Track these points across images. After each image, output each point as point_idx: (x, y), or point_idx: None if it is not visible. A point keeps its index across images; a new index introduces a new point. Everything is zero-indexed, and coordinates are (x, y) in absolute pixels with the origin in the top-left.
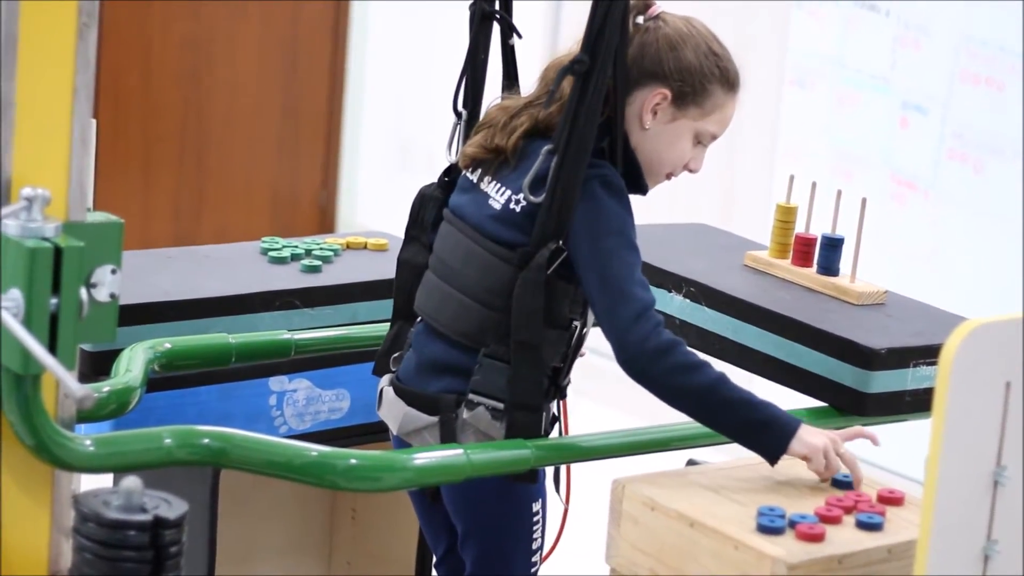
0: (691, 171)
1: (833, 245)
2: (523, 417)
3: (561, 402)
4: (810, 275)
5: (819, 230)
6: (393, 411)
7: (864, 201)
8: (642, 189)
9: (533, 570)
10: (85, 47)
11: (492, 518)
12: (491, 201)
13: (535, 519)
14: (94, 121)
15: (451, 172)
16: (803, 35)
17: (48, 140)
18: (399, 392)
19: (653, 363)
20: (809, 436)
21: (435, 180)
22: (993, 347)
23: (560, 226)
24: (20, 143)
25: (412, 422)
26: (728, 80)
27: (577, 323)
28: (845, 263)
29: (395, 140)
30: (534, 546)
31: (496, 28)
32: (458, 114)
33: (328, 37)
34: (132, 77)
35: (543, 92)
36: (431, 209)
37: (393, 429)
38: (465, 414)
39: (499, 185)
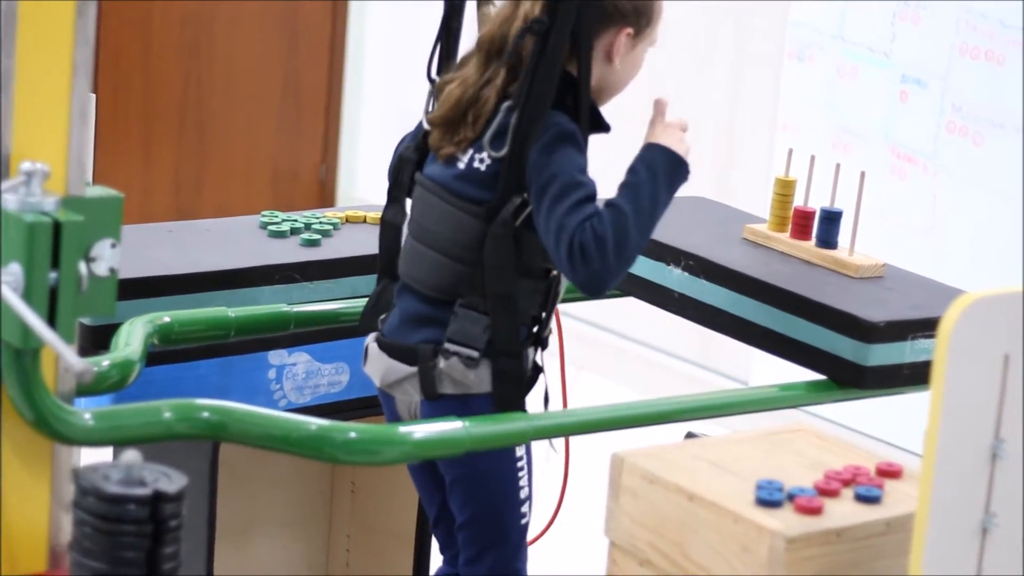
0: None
1: (831, 218)
2: (506, 363)
3: (560, 373)
4: (809, 248)
5: (818, 203)
6: (376, 365)
7: (863, 174)
8: (605, 127)
9: (523, 521)
10: (84, 22)
11: (475, 462)
12: (457, 163)
13: (519, 464)
14: (93, 96)
15: (427, 136)
16: (803, 8)
17: (47, 115)
18: (382, 346)
19: (604, 283)
20: (676, 144)
21: (411, 140)
22: (992, 320)
23: (522, 180)
24: (19, 118)
25: (393, 373)
26: None
27: (555, 272)
28: (844, 236)
29: (395, 114)
30: (521, 495)
31: None
32: (432, 80)
33: (327, 11)
34: (132, 51)
35: (494, 64)
36: (407, 171)
37: (376, 382)
38: (441, 363)
39: (465, 147)
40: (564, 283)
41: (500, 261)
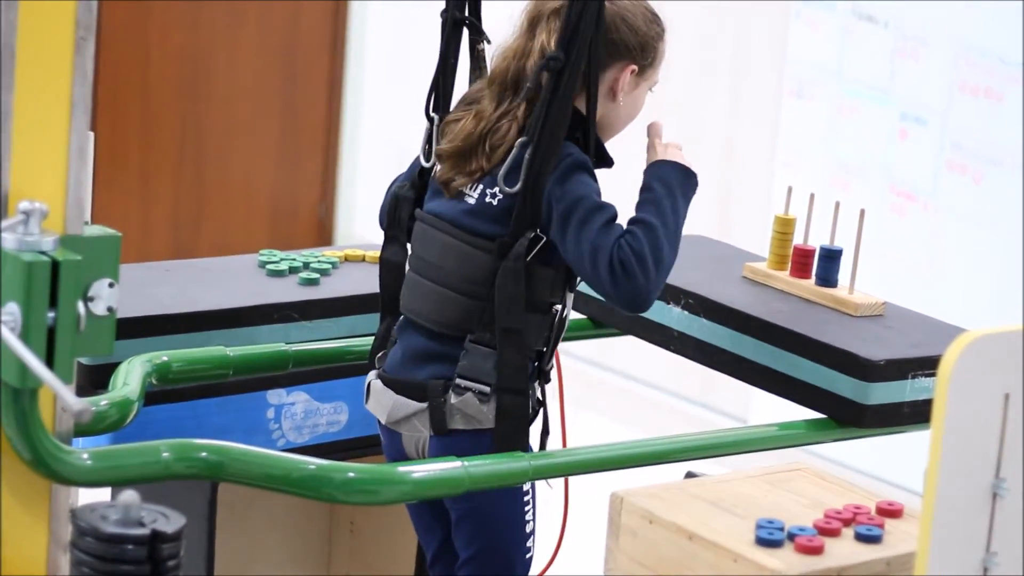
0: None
1: (831, 257)
2: (510, 400)
3: (560, 412)
4: (809, 286)
5: (818, 241)
6: (382, 401)
7: (862, 212)
8: (609, 162)
9: (528, 556)
10: (82, 60)
11: (483, 497)
12: (466, 198)
13: (526, 498)
14: (92, 134)
15: (424, 174)
16: (802, 46)
17: (45, 153)
18: (387, 382)
19: (648, 297)
20: (679, 159)
21: (405, 179)
22: (992, 359)
23: (536, 215)
24: (18, 156)
25: (401, 409)
26: (664, 32)
27: (558, 306)
28: (844, 274)
29: (394, 152)
30: (527, 529)
31: (466, 33)
32: (430, 119)
33: (326, 48)
34: (130, 89)
35: (509, 97)
36: (406, 209)
37: (382, 419)
38: (453, 399)
39: (472, 182)
40: (568, 317)
41: (511, 295)
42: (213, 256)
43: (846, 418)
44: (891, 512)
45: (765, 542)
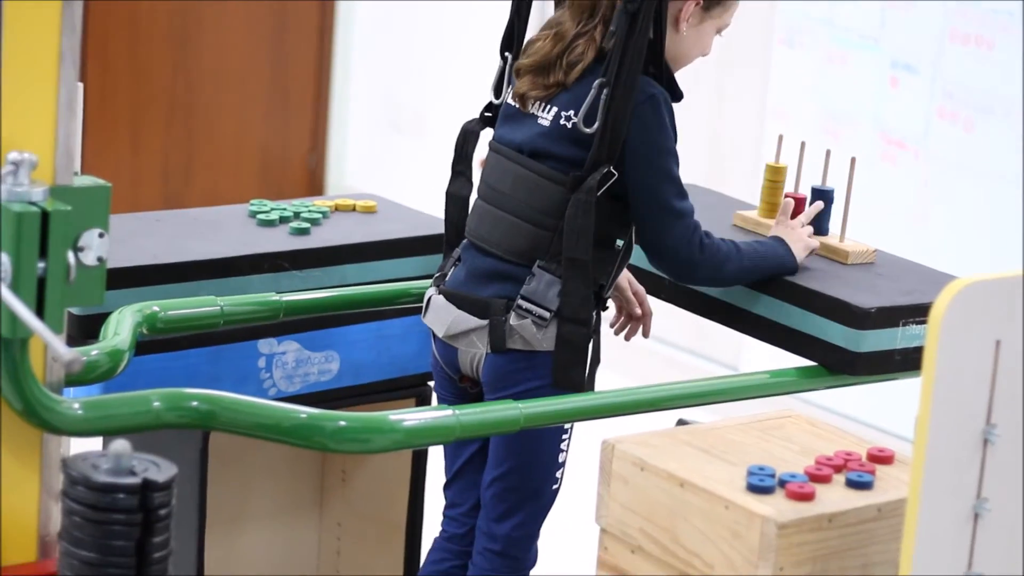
0: (704, 56)
1: (823, 197)
2: (572, 330)
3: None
4: None
5: (808, 190)
6: (441, 315)
7: (853, 160)
8: (678, 97)
9: (555, 486)
10: (71, 11)
11: None
12: (540, 120)
13: (566, 426)
14: (81, 85)
15: (491, 108)
16: None
17: (34, 105)
18: (449, 297)
19: (694, 270)
20: (799, 248)
21: (476, 116)
22: (983, 305)
23: (612, 152)
24: (6, 108)
25: (460, 324)
26: None
27: (621, 242)
28: (835, 222)
29: (384, 102)
30: (560, 458)
31: None
32: (504, 58)
33: None
34: (120, 40)
35: (585, 18)
36: (473, 143)
37: (439, 332)
38: (513, 320)
39: (546, 104)
40: (631, 252)
41: (580, 227)
42: (203, 206)
43: (837, 366)
44: (882, 458)
45: (756, 488)
